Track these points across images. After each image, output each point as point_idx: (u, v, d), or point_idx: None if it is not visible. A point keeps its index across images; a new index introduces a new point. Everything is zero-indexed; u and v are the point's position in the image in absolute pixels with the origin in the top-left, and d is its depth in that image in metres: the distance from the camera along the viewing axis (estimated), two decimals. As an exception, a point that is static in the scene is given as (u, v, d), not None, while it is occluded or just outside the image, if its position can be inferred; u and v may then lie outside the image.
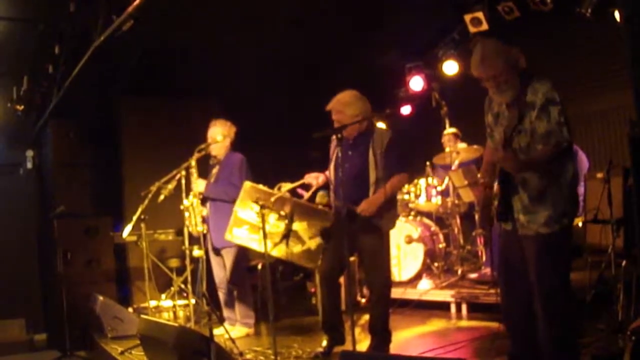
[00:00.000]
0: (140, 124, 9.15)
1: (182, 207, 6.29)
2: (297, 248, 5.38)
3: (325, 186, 5.52)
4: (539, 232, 3.96)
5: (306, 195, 5.48)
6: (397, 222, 7.04)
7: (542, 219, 3.95)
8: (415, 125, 9.47)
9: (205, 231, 6.33)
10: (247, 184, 5.62)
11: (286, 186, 5.46)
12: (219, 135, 6.42)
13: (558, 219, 3.94)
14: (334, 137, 5.26)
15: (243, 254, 6.47)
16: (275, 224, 5.36)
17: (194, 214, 6.27)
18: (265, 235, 5.05)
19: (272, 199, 5.30)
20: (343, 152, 5.00)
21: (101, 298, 7.03)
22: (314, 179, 5.47)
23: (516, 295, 4.19)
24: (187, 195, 6.25)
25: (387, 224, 5.22)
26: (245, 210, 5.53)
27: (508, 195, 4.07)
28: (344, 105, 5.15)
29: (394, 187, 5.16)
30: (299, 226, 5.35)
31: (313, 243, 5.36)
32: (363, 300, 7.39)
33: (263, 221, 5.08)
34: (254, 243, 5.57)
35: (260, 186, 5.55)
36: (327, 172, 5.46)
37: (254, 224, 5.49)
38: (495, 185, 4.15)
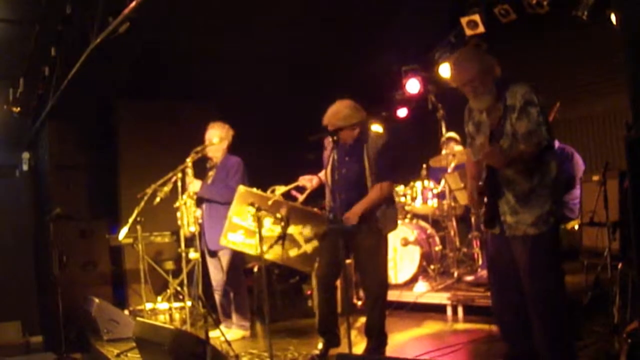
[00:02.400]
0: (136, 126, 9.14)
1: (175, 205, 6.28)
2: (293, 252, 5.37)
3: (319, 188, 5.50)
4: (527, 233, 4.02)
5: (300, 197, 5.47)
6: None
7: (529, 220, 4.01)
8: (412, 128, 9.48)
9: (196, 232, 6.31)
10: (242, 188, 5.61)
11: (280, 189, 5.45)
12: (215, 138, 6.43)
13: (546, 218, 4.00)
14: (328, 141, 5.26)
15: (239, 257, 6.46)
16: (271, 228, 5.35)
17: (187, 213, 6.26)
18: (261, 239, 5.04)
19: (269, 202, 5.29)
20: (340, 156, 4.99)
21: (97, 300, 7.02)
22: (307, 181, 5.46)
23: (508, 298, 4.22)
24: (182, 194, 6.25)
25: (385, 225, 5.20)
26: (240, 215, 5.52)
27: (494, 199, 4.13)
28: (342, 119, 5.10)
29: (375, 196, 5.08)
30: (294, 230, 5.34)
31: (309, 247, 5.35)
32: (359, 303, 7.38)
33: (259, 224, 5.07)
34: (249, 248, 5.56)
35: (255, 190, 5.54)
36: (320, 175, 5.45)
37: (249, 229, 5.49)
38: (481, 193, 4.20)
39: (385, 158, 5.16)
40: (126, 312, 7.81)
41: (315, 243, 5.35)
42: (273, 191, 5.45)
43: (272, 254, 5.34)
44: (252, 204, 5.16)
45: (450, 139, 8.23)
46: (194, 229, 6.26)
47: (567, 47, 8.36)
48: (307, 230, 5.35)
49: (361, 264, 5.38)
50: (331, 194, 5.28)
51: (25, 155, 10.21)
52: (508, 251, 4.13)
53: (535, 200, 4.00)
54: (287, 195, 5.51)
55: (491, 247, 4.33)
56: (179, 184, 6.14)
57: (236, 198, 5.57)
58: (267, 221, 5.33)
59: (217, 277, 6.55)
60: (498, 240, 4.21)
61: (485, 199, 4.15)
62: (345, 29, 8.28)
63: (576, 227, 6.51)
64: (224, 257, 6.38)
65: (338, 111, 5.16)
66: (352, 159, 5.20)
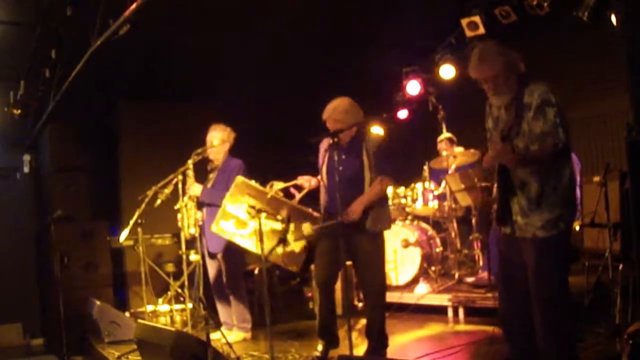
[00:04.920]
0: (137, 128, 9.13)
1: (176, 207, 6.28)
2: (280, 249, 5.34)
3: (315, 190, 5.50)
4: (537, 236, 3.97)
5: (298, 196, 5.46)
6: (393, 226, 7.04)
7: (539, 223, 3.96)
8: (412, 129, 9.48)
9: (196, 234, 6.31)
10: (239, 179, 5.57)
11: (278, 185, 5.43)
12: (216, 140, 6.42)
13: (555, 223, 3.94)
14: (323, 142, 5.31)
15: (240, 259, 6.47)
16: (264, 222, 5.33)
17: (187, 215, 6.25)
18: (261, 241, 5.04)
19: (262, 189, 5.28)
20: (337, 155, 5.00)
21: (98, 302, 7.02)
22: (306, 180, 5.46)
23: (515, 299, 4.19)
24: (183, 197, 6.24)
25: (380, 225, 5.20)
26: (235, 205, 5.49)
27: (507, 198, 4.09)
28: (342, 114, 5.16)
29: (376, 190, 5.13)
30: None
31: (297, 246, 5.32)
32: (360, 305, 7.37)
33: (260, 228, 5.06)
34: (239, 238, 5.53)
35: (252, 182, 5.54)
36: (319, 177, 5.46)
37: (240, 219, 5.47)
38: (495, 189, 4.16)
39: (384, 154, 5.20)
40: (127, 314, 7.80)
41: (303, 243, 5.33)
42: (271, 186, 5.43)
43: (259, 249, 5.26)
44: (253, 206, 5.16)
45: (446, 139, 8.22)
46: (194, 231, 6.26)
47: (567, 49, 8.36)
48: (299, 230, 5.32)
49: (359, 267, 5.37)
50: (327, 194, 5.30)
51: (26, 157, 10.21)
52: (518, 252, 4.09)
53: (545, 204, 3.95)
54: (284, 193, 5.50)
55: (503, 247, 4.27)
56: (180, 186, 6.15)
57: (233, 188, 5.54)
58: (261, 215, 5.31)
59: (217, 279, 6.55)
60: (509, 241, 4.16)
61: (499, 196, 4.11)
62: (346, 30, 8.28)
63: (577, 228, 6.50)
64: (224, 260, 6.38)
65: (338, 106, 5.22)
66: (351, 156, 5.22)
